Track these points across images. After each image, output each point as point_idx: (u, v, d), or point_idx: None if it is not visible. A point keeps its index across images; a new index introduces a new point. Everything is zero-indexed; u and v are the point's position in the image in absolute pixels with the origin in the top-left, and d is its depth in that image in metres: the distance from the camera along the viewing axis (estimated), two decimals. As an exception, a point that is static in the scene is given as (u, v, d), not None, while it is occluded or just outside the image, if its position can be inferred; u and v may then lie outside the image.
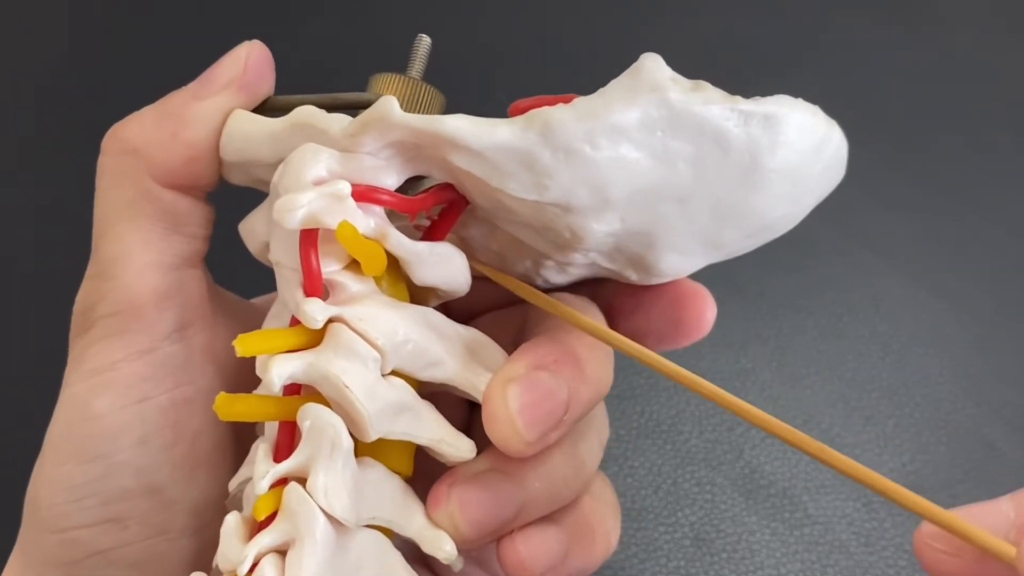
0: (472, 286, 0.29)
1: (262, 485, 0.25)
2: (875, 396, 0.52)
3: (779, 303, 0.56)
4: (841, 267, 0.58)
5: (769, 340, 0.55)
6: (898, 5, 0.74)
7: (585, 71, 0.65)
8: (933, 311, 0.56)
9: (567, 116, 0.25)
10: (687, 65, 0.25)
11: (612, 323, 0.31)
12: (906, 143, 0.65)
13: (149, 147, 0.28)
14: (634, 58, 0.25)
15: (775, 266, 0.57)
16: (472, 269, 0.29)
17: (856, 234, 0.60)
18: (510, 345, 0.29)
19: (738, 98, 0.25)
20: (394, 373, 0.27)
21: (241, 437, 0.30)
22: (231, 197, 0.30)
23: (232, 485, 0.28)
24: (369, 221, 0.26)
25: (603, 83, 0.25)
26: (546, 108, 0.25)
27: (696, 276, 0.31)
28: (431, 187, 0.28)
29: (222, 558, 0.25)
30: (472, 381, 0.28)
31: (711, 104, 0.25)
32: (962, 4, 0.75)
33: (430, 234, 0.28)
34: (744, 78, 0.68)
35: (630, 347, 0.27)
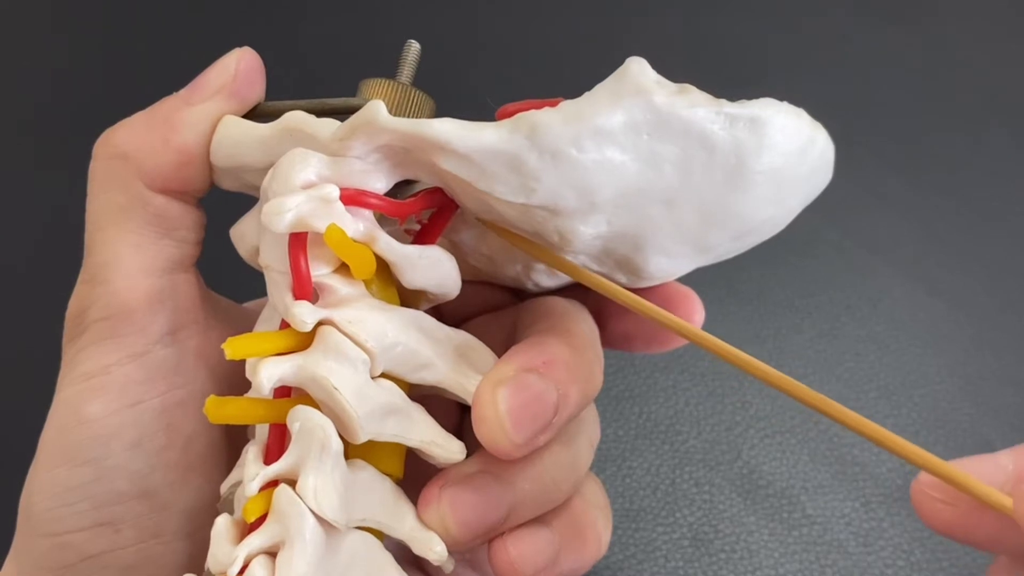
0: (462, 290, 0.29)
1: (252, 487, 0.25)
2: (873, 396, 0.52)
3: (776, 303, 0.56)
4: (838, 267, 0.58)
5: (767, 340, 0.55)
6: (898, 5, 0.74)
7: (573, 75, 0.65)
8: (931, 311, 0.56)
9: (553, 119, 0.25)
10: (680, 66, 0.26)
11: (601, 326, 0.31)
12: (904, 143, 0.65)
13: (140, 152, 0.28)
14: (622, 62, 0.25)
15: (772, 266, 0.58)
16: (463, 273, 0.29)
17: (853, 234, 0.60)
18: (500, 348, 0.29)
19: (723, 101, 0.25)
20: (384, 375, 0.27)
21: (234, 440, 0.30)
22: (222, 202, 0.30)
23: (223, 488, 0.28)
24: (358, 225, 0.26)
25: (591, 87, 0.25)
26: (533, 111, 0.25)
27: (693, 276, 0.32)
28: (420, 191, 0.28)
29: (212, 560, 0.25)
30: (462, 383, 0.28)
31: (696, 107, 0.25)
32: (962, 5, 0.75)
33: (420, 238, 0.29)
34: (743, 80, 0.68)
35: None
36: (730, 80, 0.66)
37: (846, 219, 0.60)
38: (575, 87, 0.26)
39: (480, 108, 0.28)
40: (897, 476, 0.48)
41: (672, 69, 0.25)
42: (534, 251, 0.29)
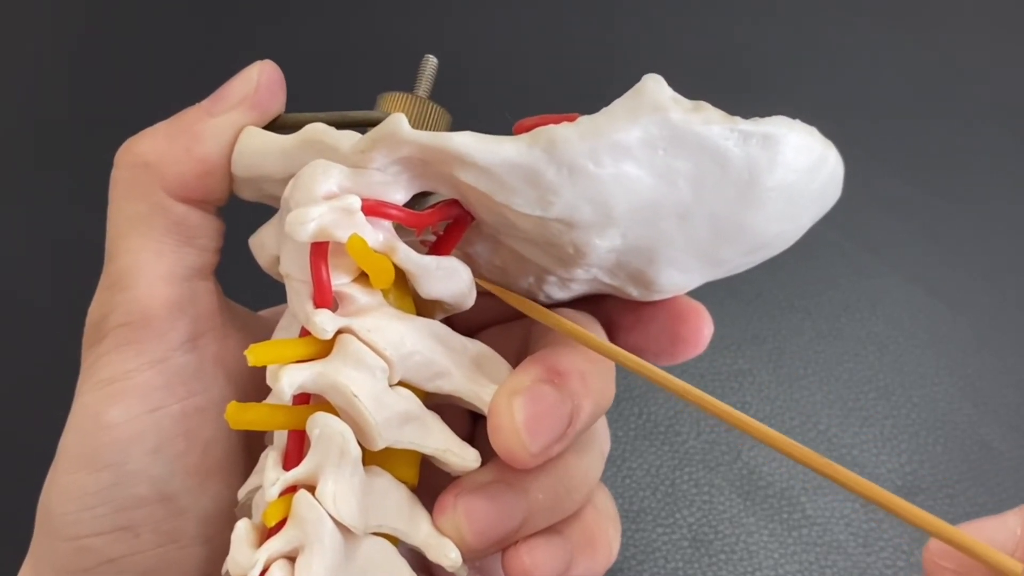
0: (477, 300, 0.30)
1: (272, 492, 0.25)
2: (872, 396, 0.53)
3: (776, 304, 0.57)
4: (838, 267, 0.59)
5: (766, 341, 0.55)
6: (896, 7, 0.75)
7: (590, 91, 0.65)
8: (930, 311, 0.57)
9: (571, 134, 0.25)
10: (683, 70, 0.26)
11: (613, 338, 0.32)
12: (903, 143, 0.65)
13: (162, 161, 0.28)
14: (638, 77, 0.25)
15: (772, 267, 0.57)
16: (478, 284, 0.29)
17: (853, 234, 0.60)
18: (514, 358, 0.29)
19: (737, 118, 0.25)
20: (401, 384, 0.27)
21: (252, 446, 0.30)
22: (238, 213, 0.31)
23: (241, 494, 0.28)
24: (378, 235, 0.27)
25: (608, 101, 0.26)
26: (551, 126, 0.25)
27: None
28: (438, 203, 0.28)
29: (233, 564, 0.25)
30: (477, 393, 0.28)
31: (711, 124, 0.25)
32: (960, 5, 0.75)
33: (436, 249, 0.29)
34: (744, 81, 0.68)
35: (633, 362, 0.27)
36: (730, 82, 0.66)
37: (846, 220, 0.60)
38: (593, 102, 0.26)
39: (497, 122, 0.28)
40: (896, 477, 0.49)
41: (676, 73, 0.25)
42: (522, 306, 0.30)
